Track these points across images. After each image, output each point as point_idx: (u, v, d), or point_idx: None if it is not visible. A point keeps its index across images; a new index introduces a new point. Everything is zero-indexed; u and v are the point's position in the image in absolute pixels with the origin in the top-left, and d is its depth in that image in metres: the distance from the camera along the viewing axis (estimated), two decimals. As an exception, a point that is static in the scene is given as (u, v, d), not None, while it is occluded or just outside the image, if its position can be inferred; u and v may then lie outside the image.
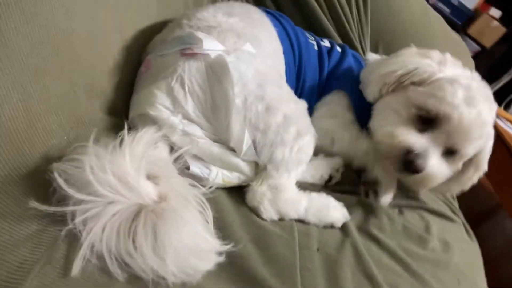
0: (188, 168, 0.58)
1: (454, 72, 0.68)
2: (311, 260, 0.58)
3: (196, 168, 0.59)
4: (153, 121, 0.57)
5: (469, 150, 0.68)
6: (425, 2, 1.10)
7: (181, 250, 0.44)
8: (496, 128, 2.03)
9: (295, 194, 0.65)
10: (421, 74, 0.67)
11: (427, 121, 0.67)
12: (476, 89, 0.66)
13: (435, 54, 0.70)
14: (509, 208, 1.74)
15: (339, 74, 0.79)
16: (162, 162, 0.54)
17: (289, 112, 0.60)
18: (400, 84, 0.70)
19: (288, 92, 0.64)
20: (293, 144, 0.60)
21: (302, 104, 0.65)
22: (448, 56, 0.70)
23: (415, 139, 0.66)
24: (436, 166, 0.67)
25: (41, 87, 0.47)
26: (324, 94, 0.78)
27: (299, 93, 0.74)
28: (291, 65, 0.72)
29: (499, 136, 2.15)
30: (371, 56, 0.85)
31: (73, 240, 0.43)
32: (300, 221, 0.65)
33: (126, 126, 0.51)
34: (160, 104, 0.57)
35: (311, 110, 0.76)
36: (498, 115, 2.26)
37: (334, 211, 0.68)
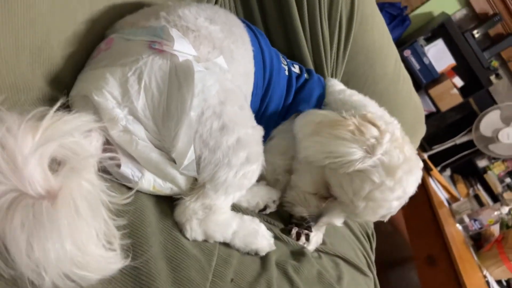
0: (119, 166, 0.54)
1: (375, 161, 0.67)
2: (221, 291, 0.56)
3: (127, 168, 0.55)
4: (94, 107, 0.53)
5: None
6: (400, 59, 1.13)
7: (61, 261, 0.38)
8: (426, 186, 2.18)
9: (228, 217, 0.64)
10: (342, 164, 0.67)
11: None
12: (385, 186, 0.66)
13: (372, 132, 0.67)
14: (417, 262, 1.87)
15: (300, 98, 0.79)
16: (84, 153, 0.47)
17: (243, 136, 0.58)
18: None
19: (248, 115, 0.62)
20: (239, 169, 0.58)
21: (259, 131, 0.63)
22: (386, 137, 0.67)
23: (309, 211, 0.75)
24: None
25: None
26: (285, 118, 0.77)
27: (260, 116, 0.73)
28: (259, 86, 0.70)
29: (426, 194, 2.31)
30: (333, 82, 0.85)
31: None
32: (225, 243, 0.64)
33: (59, 102, 0.46)
34: (108, 91, 0.53)
35: (268, 135, 0.75)
36: (431, 175, 2.43)
37: (262, 239, 0.67)
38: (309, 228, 0.77)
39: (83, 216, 0.42)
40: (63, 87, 0.56)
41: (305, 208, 0.76)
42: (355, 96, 0.81)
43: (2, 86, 0.46)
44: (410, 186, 0.70)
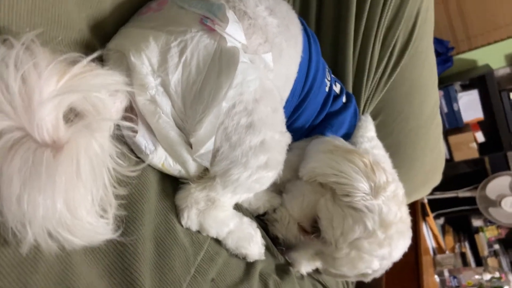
0: (135, 134, 0.52)
1: (374, 205, 0.64)
2: (199, 288, 0.54)
3: (142, 139, 0.52)
4: (127, 68, 0.50)
5: None
6: (438, 103, 1.10)
7: (49, 218, 0.36)
8: (418, 230, 2.15)
9: (228, 215, 0.61)
10: (345, 189, 0.65)
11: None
12: (375, 236, 0.63)
13: (381, 176, 0.65)
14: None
15: (329, 124, 0.76)
16: (105, 113, 0.43)
17: (269, 139, 0.55)
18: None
19: (279, 120, 0.59)
20: (255, 172, 0.55)
21: (286, 138, 0.60)
22: (391, 187, 0.66)
23: (286, 235, 0.73)
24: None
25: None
26: (309, 136, 0.74)
27: (288, 125, 0.70)
28: (295, 94, 0.67)
29: (416, 237, 2.29)
30: (367, 124, 0.83)
31: None
32: (217, 240, 0.62)
33: (96, 53, 0.43)
34: (146, 56, 0.50)
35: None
36: (426, 221, 2.40)
37: (254, 246, 0.65)
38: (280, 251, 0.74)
39: (82, 178, 0.39)
40: (103, 35, 0.53)
41: (283, 231, 0.73)
42: (377, 150, 0.79)
43: (45, 15, 0.43)
44: (397, 250, 0.67)
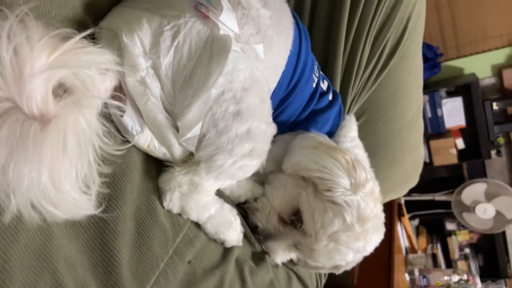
0: (122, 114, 0.52)
1: (353, 201, 0.66)
2: (176, 269, 0.56)
3: (129, 119, 0.53)
4: (119, 48, 0.50)
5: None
6: (422, 107, 1.13)
7: (33, 189, 0.37)
8: (393, 230, 2.21)
9: (209, 200, 0.63)
10: (326, 184, 0.67)
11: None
12: (353, 230, 0.66)
13: (362, 173, 0.68)
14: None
15: (313, 121, 0.77)
16: (94, 91, 0.44)
17: (255, 129, 0.56)
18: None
19: (266, 110, 0.60)
20: (239, 159, 0.56)
21: (272, 129, 0.61)
22: (370, 184, 0.68)
23: (265, 224, 0.74)
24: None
25: None
26: (293, 130, 0.76)
27: (273, 118, 0.71)
28: (282, 87, 0.68)
29: (390, 236, 2.35)
30: (350, 125, 0.85)
31: None
32: (196, 223, 0.63)
33: (89, 31, 0.44)
34: (139, 37, 0.50)
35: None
36: (401, 221, 2.47)
37: (233, 232, 0.67)
38: (257, 240, 0.76)
39: (68, 153, 0.40)
40: (96, 14, 0.53)
41: (263, 221, 0.75)
42: (358, 149, 0.81)
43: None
44: (371, 245, 0.70)
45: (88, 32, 0.44)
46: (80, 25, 0.50)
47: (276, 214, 0.74)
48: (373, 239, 0.69)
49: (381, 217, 0.71)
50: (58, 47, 0.40)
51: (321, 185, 0.68)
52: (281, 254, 0.75)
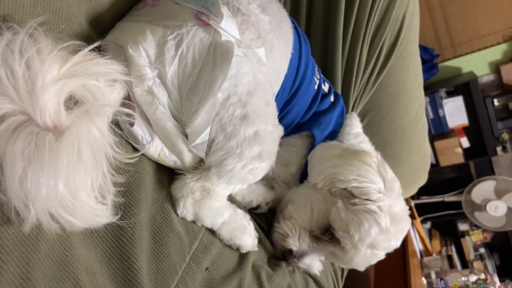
0: (132, 124, 0.53)
1: (386, 205, 0.67)
2: (194, 276, 0.55)
3: (139, 129, 0.54)
4: (125, 60, 0.51)
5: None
6: (424, 105, 1.13)
7: (51, 198, 0.37)
8: (406, 235, 2.18)
9: (222, 205, 0.63)
10: (366, 193, 0.67)
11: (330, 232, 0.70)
12: (389, 233, 0.67)
13: (391, 173, 0.69)
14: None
15: (317, 122, 0.78)
16: (103, 100, 0.45)
17: (262, 131, 0.57)
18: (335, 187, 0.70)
19: (272, 113, 0.61)
20: (249, 162, 0.57)
21: (279, 131, 0.62)
22: (397, 184, 0.70)
23: (299, 246, 0.72)
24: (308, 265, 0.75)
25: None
26: (297, 132, 0.76)
27: (278, 120, 0.72)
28: (285, 90, 0.69)
29: (403, 240, 2.32)
30: (352, 122, 0.85)
31: None
32: (210, 230, 0.63)
33: (96, 43, 0.45)
34: (144, 48, 0.52)
35: None
36: (413, 224, 2.44)
37: (248, 237, 0.67)
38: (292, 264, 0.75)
39: (83, 162, 0.41)
40: (101, 29, 0.55)
41: (297, 244, 0.73)
42: (365, 144, 0.82)
43: (47, 8, 0.45)
44: (399, 241, 0.71)
45: (96, 44, 0.45)
46: (87, 40, 0.51)
47: (307, 233, 0.73)
48: (401, 236, 0.70)
49: (406, 209, 0.72)
50: (68, 59, 0.42)
51: (358, 193, 0.67)
52: (318, 266, 0.76)
